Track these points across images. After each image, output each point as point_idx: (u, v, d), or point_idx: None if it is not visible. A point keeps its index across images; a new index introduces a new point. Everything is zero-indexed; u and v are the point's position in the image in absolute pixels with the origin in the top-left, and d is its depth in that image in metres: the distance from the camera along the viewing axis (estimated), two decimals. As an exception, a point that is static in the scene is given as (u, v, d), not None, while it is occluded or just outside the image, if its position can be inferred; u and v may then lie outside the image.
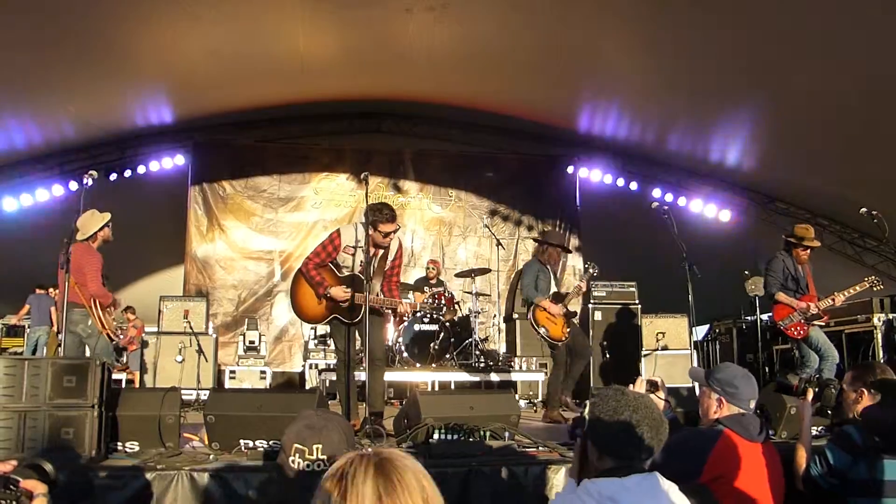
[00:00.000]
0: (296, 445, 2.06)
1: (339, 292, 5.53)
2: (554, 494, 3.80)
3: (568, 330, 7.29)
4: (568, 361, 7.47)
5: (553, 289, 7.43)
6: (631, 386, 3.46)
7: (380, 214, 5.55)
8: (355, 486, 1.39)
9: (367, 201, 5.76)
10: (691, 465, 3.04)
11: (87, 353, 6.60)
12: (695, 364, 8.53)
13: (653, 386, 3.62)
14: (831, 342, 7.19)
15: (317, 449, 2.04)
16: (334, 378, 8.47)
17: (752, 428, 3.20)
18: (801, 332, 7.07)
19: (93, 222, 6.71)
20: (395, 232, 5.74)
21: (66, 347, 6.39)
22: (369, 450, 1.49)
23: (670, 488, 2.30)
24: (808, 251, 7.29)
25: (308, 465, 2.06)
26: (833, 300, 7.03)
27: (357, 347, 6.32)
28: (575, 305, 8.21)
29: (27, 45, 8.58)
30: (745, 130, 11.67)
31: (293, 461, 2.06)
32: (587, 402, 2.51)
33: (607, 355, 8.98)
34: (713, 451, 3.08)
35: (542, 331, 7.14)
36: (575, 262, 13.68)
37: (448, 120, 13.34)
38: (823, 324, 7.20)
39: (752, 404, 3.30)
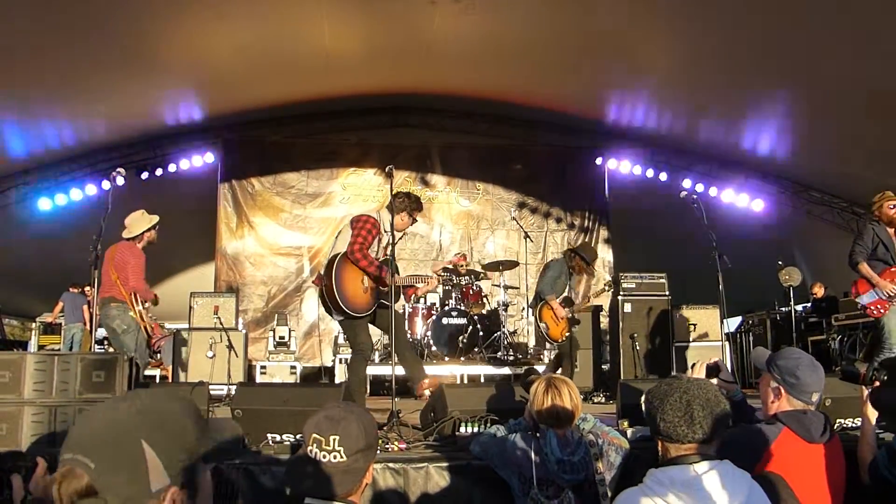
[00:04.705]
0: (314, 436, 2.05)
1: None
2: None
3: (567, 334, 7.53)
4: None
5: (565, 294, 7.64)
6: (689, 371, 3.38)
7: (418, 203, 5.88)
8: (559, 381, 3.35)
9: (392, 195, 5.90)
10: (742, 464, 2.82)
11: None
12: (727, 355, 8.39)
13: (714, 370, 3.44)
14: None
15: (334, 440, 2.02)
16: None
17: (814, 428, 2.90)
18: (883, 311, 6.30)
19: (141, 223, 6.85)
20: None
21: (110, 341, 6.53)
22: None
23: (742, 475, 2.24)
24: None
25: (325, 457, 2.03)
26: None
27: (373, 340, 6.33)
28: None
29: (60, 47, 8.71)
30: (778, 118, 11.44)
31: (311, 451, 2.04)
32: (646, 390, 2.46)
33: (637, 347, 8.84)
34: (767, 452, 2.85)
35: (542, 326, 7.40)
36: (604, 254, 13.57)
37: (475, 113, 13.30)
38: None
39: (816, 398, 2.98)
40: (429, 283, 6.10)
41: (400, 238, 5.87)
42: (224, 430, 1.50)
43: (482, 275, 10.46)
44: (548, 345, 9.67)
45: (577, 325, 8.08)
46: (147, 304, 6.91)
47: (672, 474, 2.20)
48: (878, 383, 3.58)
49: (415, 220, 5.96)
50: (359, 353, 5.80)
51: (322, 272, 5.72)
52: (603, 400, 8.43)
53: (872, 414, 3.44)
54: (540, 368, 9.25)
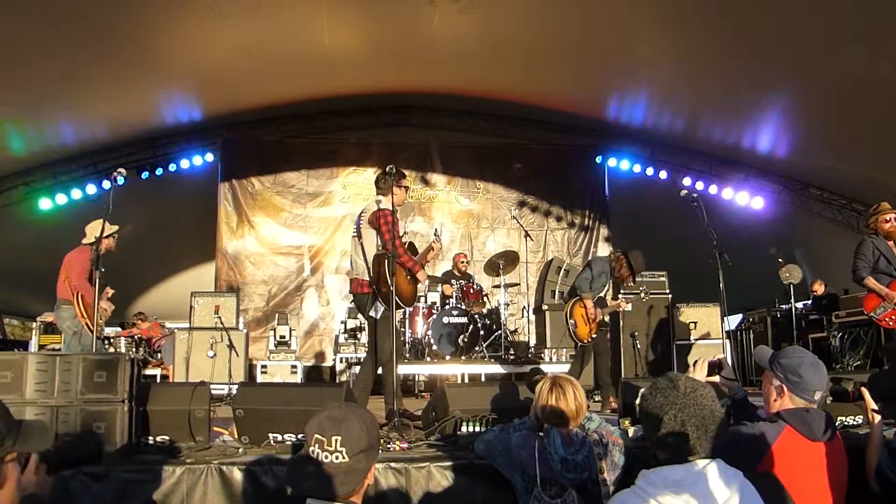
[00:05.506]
0: (316, 436, 2.06)
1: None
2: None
3: (594, 336, 7.36)
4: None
5: (600, 295, 7.48)
6: (691, 368, 3.36)
7: (398, 172, 5.84)
8: (564, 381, 3.42)
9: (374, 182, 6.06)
10: (745, 462, 2.71)
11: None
12: (727, 353, 8.38)
13: (716, 367, 3.44)
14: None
15: (336, 441, 2.03)
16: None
17: (816, 426, 2.89)
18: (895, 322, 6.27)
19: (97, 230, 6.90)
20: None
21: (65, 342, 6.66)
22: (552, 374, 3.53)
23: (735, 474, 2.23)
24: (892, 221, 6.47)
25: (327, 457, 2.04)
26: None
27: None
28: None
29: (61, 48, 8.71)
30: (778, 116, 11.44)
31: (313, 451, 2.05)
32: (641, 392, 2.44)
33: (638, 346, 8.85)
34: (770, 450, 2.83)
35: (570, 323, 7.22)
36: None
37: (475, 112, 13.29)
38: None
39: (818, 396, 2.96)
40: (434, 249, 6.30)
41: (404, 233, 5.89)
42: (33, 428, 1.65)
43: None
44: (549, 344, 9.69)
45: (607, 326, 7.83)
46: (105, 306, 7.11)
47: (664, 474, 2.19)
48: (866, 392, 3.53)
49: (407, 188, 6.05)
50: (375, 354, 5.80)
51: (366, 277, 5.72)
52: (604, 398, 8.43)
53: (877, 414, 3.43)
54: (544, 368, 9.25)
